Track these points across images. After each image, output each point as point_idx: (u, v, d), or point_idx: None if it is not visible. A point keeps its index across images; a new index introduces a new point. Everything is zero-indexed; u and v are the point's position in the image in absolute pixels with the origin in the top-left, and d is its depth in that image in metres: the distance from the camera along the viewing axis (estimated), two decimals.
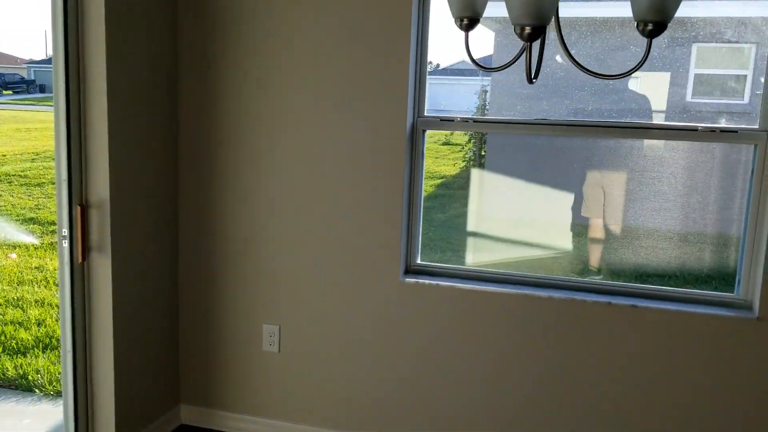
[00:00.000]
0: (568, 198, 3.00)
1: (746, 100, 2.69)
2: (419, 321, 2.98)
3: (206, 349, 3.32)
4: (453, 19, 1.53)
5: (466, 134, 3.10)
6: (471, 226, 3.06)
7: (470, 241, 3.08)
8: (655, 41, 1.29)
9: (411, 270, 3.07)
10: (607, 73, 1.40)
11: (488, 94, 3.13)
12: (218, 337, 3.29)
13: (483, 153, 3.13)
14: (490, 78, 3.07)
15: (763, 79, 2.56)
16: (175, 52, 3.09)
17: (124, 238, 2.86)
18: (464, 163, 3.27)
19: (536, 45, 1.45)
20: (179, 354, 3.36)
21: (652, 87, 2.79)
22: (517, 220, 3.10)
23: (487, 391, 2.94)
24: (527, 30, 1.29)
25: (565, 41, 1.52)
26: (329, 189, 3.00)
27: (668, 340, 2.69)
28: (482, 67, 1.63)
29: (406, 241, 3.02)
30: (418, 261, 3.08)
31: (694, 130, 2.67)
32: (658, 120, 2.80)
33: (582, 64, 1.45)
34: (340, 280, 3.06)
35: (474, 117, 2.92)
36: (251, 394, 3.28)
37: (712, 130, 2.66)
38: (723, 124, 2.71)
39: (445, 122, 2.97)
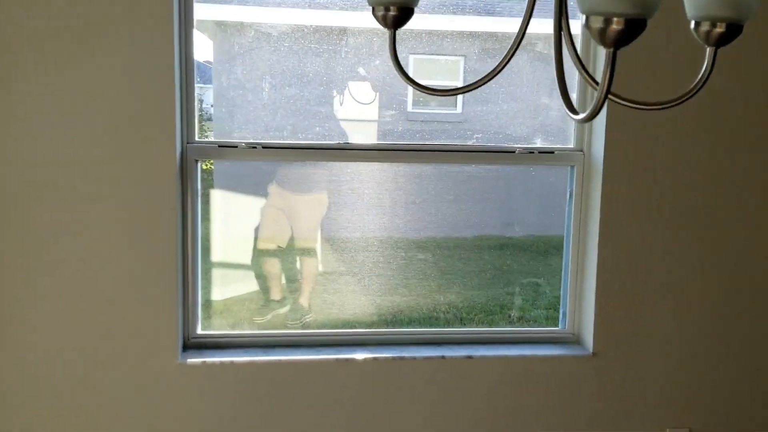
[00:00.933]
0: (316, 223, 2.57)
1: (459, 110, 2.58)
2: (208, 414, 2.25)
3: None
4: (371, 10, 0.94)
5: None
6: (215, 256, 2.45)
7: (215, 274, 2.46)
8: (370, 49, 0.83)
9: (191, 344, 2.33)
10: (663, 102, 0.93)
11: (203, 106, 2.54)
12: None
13: (205, 167, 2.53)
14: (210, 87, 2.48)
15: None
16: None
17: None
18: None
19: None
20: None
21: (363, 97, 2.54)
22: (258, 245, 2.58)
23: None
24: (616, 26, 0.69)
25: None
26: (65, 248, 2.12)
27: (506, 386, 2.37)
28: (430, 90, 1.05)
29: (182, 307, 2.27)
30: (199, 331, 2.35)
31: (512, 152, 2.41)
32: (371, 130, 2.51)
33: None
34: (89, 374, 2.19)
35: (264, 143, 2.29)
36: None
37: (531, 152, 2.42)
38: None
39: (225, 149, 2.30)
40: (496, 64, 0.97)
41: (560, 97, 0.87)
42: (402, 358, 2.31)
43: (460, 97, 2.61)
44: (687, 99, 0.86)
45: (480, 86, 0.97)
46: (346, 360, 2.29)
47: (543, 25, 2.63)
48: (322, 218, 2.52)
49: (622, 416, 2.42)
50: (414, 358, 2.32)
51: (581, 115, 0.80)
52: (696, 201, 2.34)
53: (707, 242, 2.37)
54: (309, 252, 2.57)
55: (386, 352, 2.34)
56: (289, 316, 2.50)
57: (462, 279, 2.56)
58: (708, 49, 0.85)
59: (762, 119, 2.33)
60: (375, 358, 2.30)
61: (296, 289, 2.55)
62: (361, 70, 2.37)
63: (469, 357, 2.35)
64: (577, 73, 2.40)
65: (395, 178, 2.50)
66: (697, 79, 0.87)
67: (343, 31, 2.33)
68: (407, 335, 2.44)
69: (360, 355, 2.31)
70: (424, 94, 1.52)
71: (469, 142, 2.43)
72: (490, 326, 2.53)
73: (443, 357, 2.34)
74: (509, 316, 2.58)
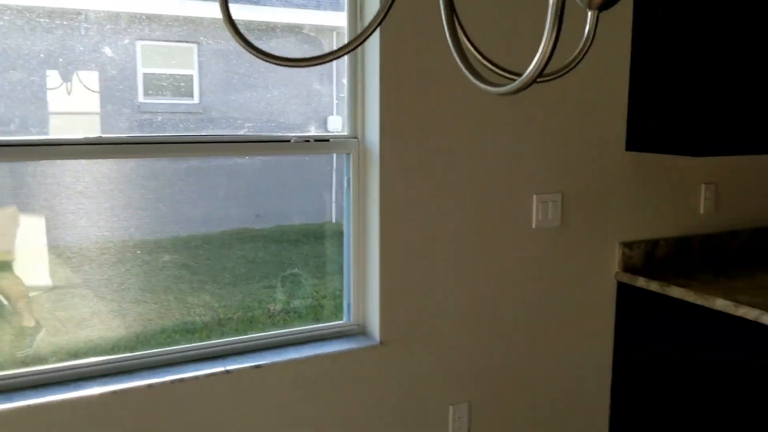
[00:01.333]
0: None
1: (197, 99, 2.47)
2: None
3: None
4: None
5: None
6: None
7: None
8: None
9: None
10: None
11: None
12: None
13: None
14: None
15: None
16: None
17: None
18: None
19: None
20: None
21: (85, 85, 2.27)
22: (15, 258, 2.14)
23: None
24: None
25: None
26: None
27: (299, 391, 2.23)
28: (270, 57, 0.82)
29: None
30: None
31: (287, 141, 2.25)
32: (97, 122, 2.25)
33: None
34: None
35: (14, 140, 1.81)
36: None
37: (307, 140, 2.28)
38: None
39: None
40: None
41: (464, 70, 0.73)
42: (182, 380, 2.04)
43: (196, 87, 2.38)
44: (571, 69, 0.79)
45: (339, 57, 0.80)
46: (114, 392, 1.95)
47: (309, 15, 2.51)
48: (18, 232, 2.08)
49: (410, 399, 2.43)
50: (196, 378, 2.06)
51: (504, 87, 0.67)
52: (477, 183, 2.40)
53: (487, 224, 2.44)
54: (5, 268, 2.11)
55: (161, 375, 2.04)
56: (15, 343, 2.05)
57: (215, 278, 2.34)
58: (590, 13, 0.78)
59: (554, 99, 2.45)
60: (149, 386, 2.00)
61: (10, 313, 2.09)
62: (108, 51, 2.00)
63: (257, 366, 2.15)
64: (347, 60, 2.32)
65: (150, 175, 2.19)
66: (580, 47, 0.80)
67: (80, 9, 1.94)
68: (178, 353, 2.16)
69: (130, 384, 1.98)
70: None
71: (240, 132, 2.21)
72: (251, 323, 2.36)
73: (228, 371, 2.11)
74: (269, 311, 2.44)
